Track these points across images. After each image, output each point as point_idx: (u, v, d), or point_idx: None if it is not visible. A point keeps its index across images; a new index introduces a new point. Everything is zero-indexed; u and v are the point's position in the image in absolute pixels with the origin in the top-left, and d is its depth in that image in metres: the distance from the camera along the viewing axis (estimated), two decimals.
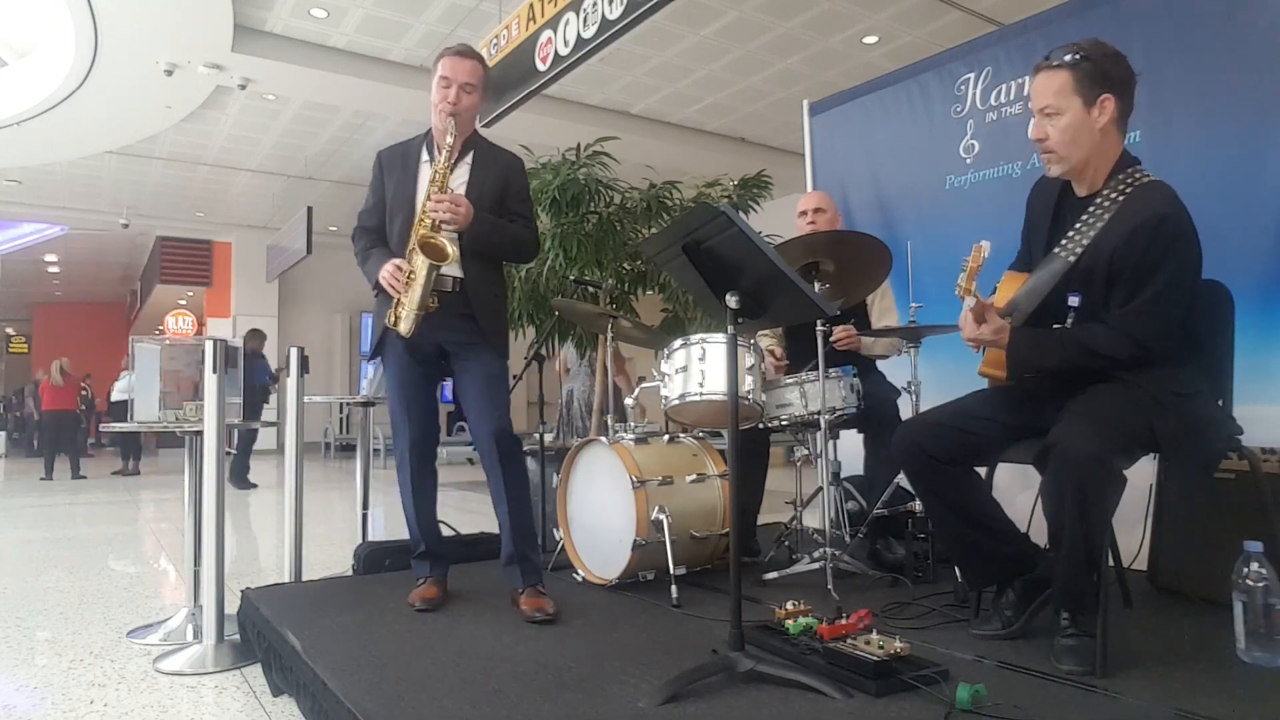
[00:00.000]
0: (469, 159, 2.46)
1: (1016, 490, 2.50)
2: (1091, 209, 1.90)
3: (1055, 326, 1.90)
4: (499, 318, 2.52)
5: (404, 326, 2.31)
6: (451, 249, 2.27)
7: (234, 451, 8.12)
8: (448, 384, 2.60)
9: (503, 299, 2.58)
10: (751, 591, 2.35)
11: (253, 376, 8.35)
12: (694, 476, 2.71)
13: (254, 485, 8.16)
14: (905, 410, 2.87)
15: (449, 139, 2.35)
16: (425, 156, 2.47)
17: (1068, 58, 1.86)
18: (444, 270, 2.31)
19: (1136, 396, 1.80)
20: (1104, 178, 1.92)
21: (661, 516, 2.50)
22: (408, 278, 2.30)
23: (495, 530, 3.26)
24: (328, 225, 13.18)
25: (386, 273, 2.34)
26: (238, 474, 8.09)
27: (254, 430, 8.70)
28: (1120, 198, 1.86)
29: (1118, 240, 1.82)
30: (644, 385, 2.91)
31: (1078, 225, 1.90)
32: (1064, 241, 1.90)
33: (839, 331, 2.92)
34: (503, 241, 2.46)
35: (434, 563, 2.49)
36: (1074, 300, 1.87)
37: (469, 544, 3.05)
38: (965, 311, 1.88)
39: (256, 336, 8.81)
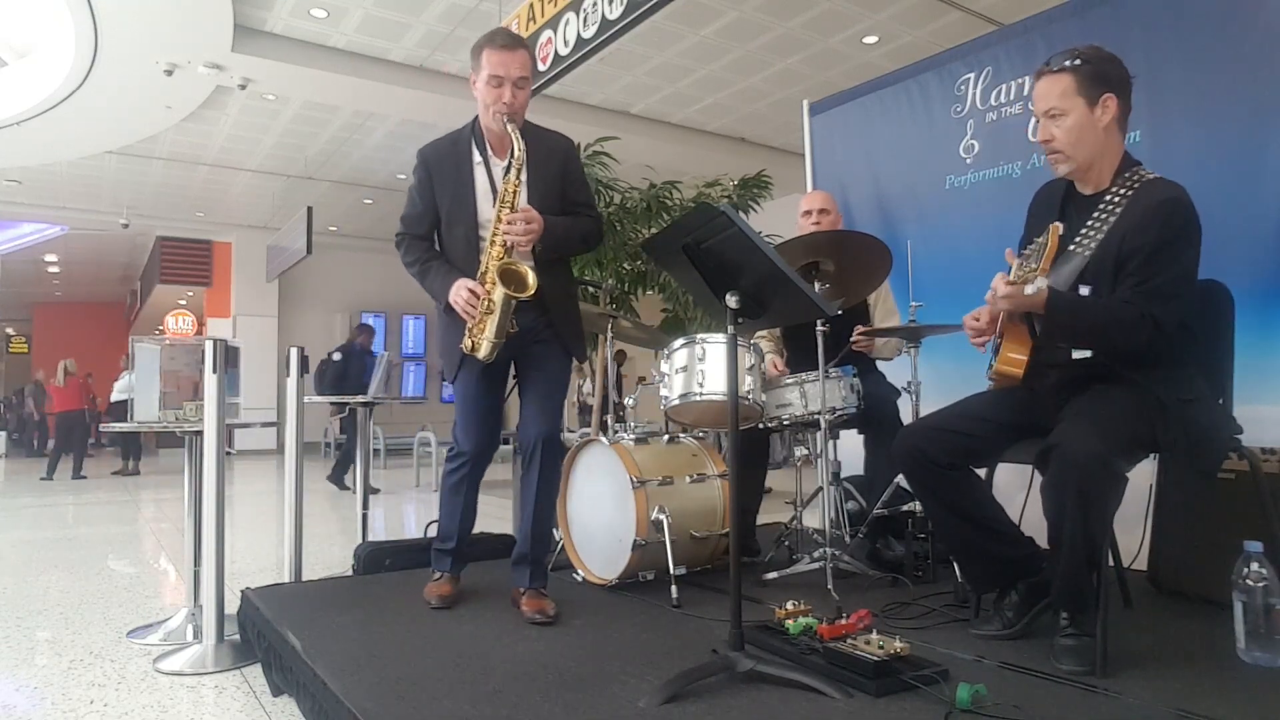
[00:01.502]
0: (523, 151, 2.30)
1: (1016, 490, 2.50)
2: (1102, 205, 1.91)
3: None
4: (575, 319, 2.48)
5: (483, 353, 2.24)
6: (532, 279, 2.20)
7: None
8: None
9: (575, 298, 2.54)
10: (751, 591, 2.35)
11: (365, 374, 7.89)
12: (694, 476, 2.71)
13: (348, 488, 7.52)
14: (905, 410, 2.87)
15: (518, 150, 2.23)
16: (477, 157, 2.36)
17: (1068, 62, 1.89)
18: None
19: (1140, 398, 1.80)
20: (1110, 176, 1.94)
21: (661, 516, 2.50)
22: (486, 305, 2.21)
23: (496, 530, 3.28)
24: (328, 225, 13.19)
25: (461, 299, 2.23)
26: (337, 474, 7.64)
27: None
28: (1129, 193, 1.88)
29: (1130, 225, 1.83)
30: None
31: (1090, 222, 1.91)
32: (1078, 239, 1.91)
33: (859, 332, 2.91)
34: (574, 243, 2.41)
35: (455, 560, 2.49)
36: (1084, 291, 1.87)
37: (469, 544, 3.05)
38: (999, 276, 1.85)
39: (366, 331, 8.42)
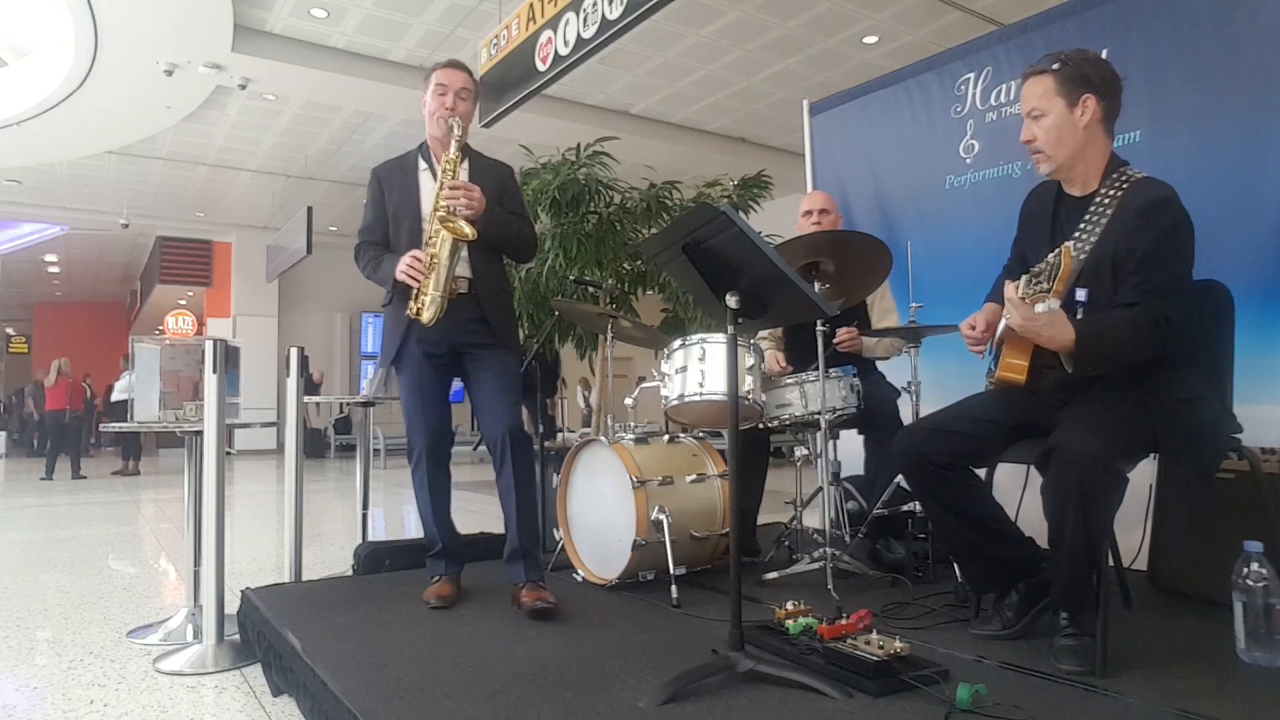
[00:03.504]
0: (465, 166, 2.48)
1: (1016, 490, 2.50)
2: (1093, 207, 1.91)
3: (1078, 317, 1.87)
4: (509, 317, 2.57)
5: (427, 315, 2.32)
6: (470, 229, 2.30)
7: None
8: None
9: (510, 297, 2.65)
10: (751, 591, 2.35)
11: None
12: (694, 476, 2.71)
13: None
14: (905, 410, 2.87)
15: (455, 135, 2.39)
16: (423, 165, 2.51)
17: (1052, 65, 1.93)
18: (456, 272, 2.35)
19: (1140, 399, 1.80)
20: (1098, 177, 1.95)
21: (661, 516, 2.50)
22: (430, 261, 2.32)
23: (496, 530, 3.28)
24: (328, 225, 13.18)
25: (405, 263, 2.34)
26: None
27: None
28: (1118, 193, 1.89)
29: (1123, 225, 1.83)
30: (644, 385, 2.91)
31: (1082, 225, 1.91)
32: (1071, 242, 1.91)
33: (842, 333, 2.91)
34: (510, 233, 2.50)
35: (449, 561, 2.52)
36: (1081, 294, 1.87)
37: (468, 544, 3.04)
38: (1009, 298, 1.84)
39: None
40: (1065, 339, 1.77)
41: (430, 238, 2.36)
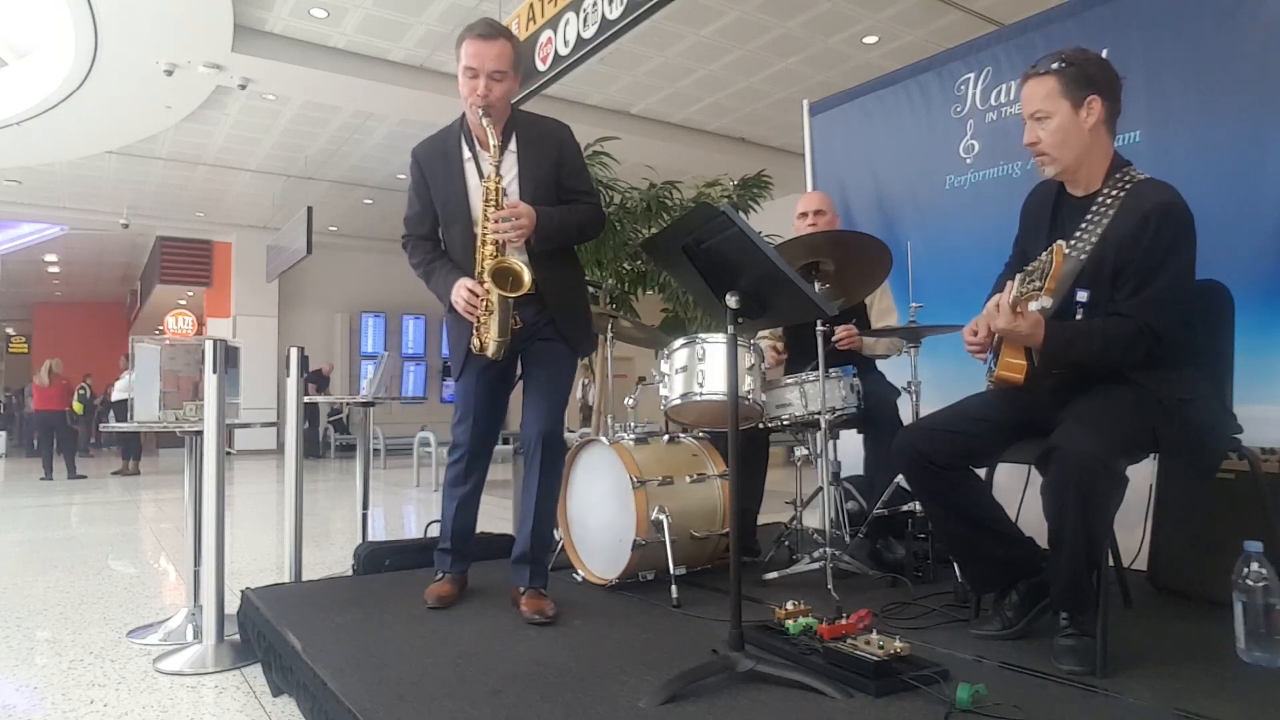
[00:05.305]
0: (513, 145, 2.32)
1: (1016, 490, 2.50)
2: (1095, 207, 1.91)
3: (1078, 318, 1.89)
4: (578, 312, 2.45)
5: (491, 351, 2.24)
6: (527, 275, 2.19)
7: None
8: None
9: (580, 291, 2.51)
10: (751, 591, 2.35)
11: None
12: (694, 476, 2.71)
13: None
14: (905, 410, 2.87)
15: (491, 140, 2.22)
16: (466, 153, 2.34)
17: (1054, 65, 1.92)
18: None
19: (1141, 399, 1.80)
20: (1101, 177, 1.95)
21: (661, 516, 2.50)
22: (484, 305, 2.22)
23: (496, 530, 3.28)
24: (328, 225, 13.19)
25: (462, 299, 2.24)
26: None
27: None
28: (1121, 194, 1.89)
29: (1125, 230, 1.84)
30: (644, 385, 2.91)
31: (1083, 225, 1.91)
32: (1072, 242, 1.91)
33: (841, 331, 2.91)
34: (570, 232, 2.36)
35: (455, 559, 2.48)
36: (1082, 295, 1.87)
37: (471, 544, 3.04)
38: (998, 302, 1.86)
39: None
40: (1039, 341, 1.83)
41: (482, 271, 2.23)
